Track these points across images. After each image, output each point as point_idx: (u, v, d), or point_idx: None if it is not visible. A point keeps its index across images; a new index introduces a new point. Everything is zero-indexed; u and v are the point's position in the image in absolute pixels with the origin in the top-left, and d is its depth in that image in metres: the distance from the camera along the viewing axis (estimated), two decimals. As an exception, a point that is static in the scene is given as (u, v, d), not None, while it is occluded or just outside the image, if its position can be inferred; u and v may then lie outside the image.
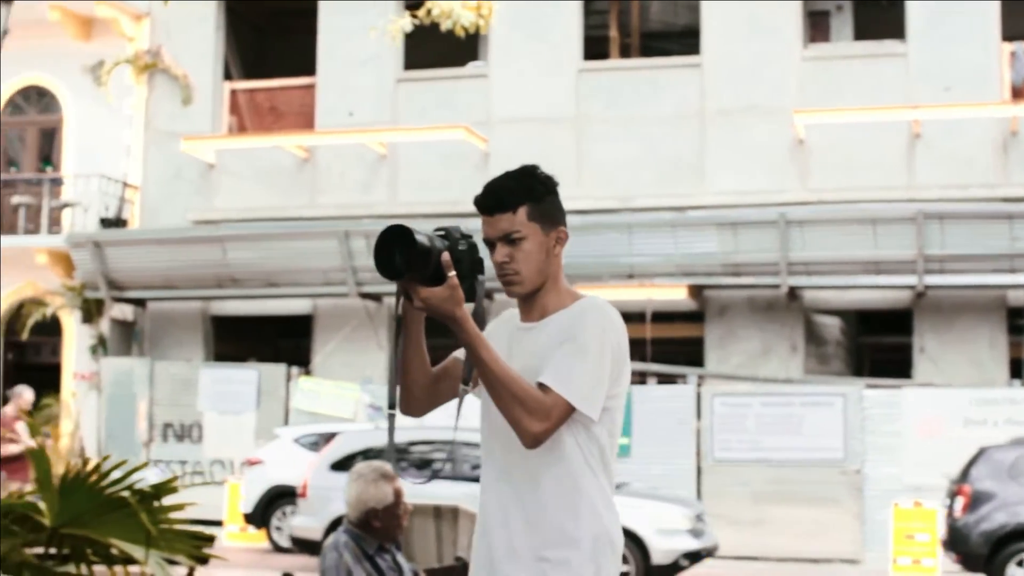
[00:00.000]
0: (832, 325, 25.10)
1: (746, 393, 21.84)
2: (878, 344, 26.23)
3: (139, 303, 26.61)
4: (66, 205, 26.78)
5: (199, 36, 26.84)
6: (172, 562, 5.65)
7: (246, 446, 23.35)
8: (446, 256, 3.62)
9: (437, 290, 3.63)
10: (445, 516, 9.47)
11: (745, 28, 24.40)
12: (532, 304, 3.93)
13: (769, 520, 20.73)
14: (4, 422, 17.01)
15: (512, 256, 3.84)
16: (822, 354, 24.76)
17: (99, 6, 26.46)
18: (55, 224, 26.95)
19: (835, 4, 26.30)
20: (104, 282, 25.69)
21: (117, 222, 26.60)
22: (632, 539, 15.76)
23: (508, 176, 3.88)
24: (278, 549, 20.21)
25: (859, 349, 26.11)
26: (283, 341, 27.61)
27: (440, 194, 24.80)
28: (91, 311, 26.42)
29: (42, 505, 5.61)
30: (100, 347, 26.43)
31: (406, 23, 13.45)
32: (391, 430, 3.90)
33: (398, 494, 6.06)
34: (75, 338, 26.96)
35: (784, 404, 21.43)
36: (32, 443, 15.12)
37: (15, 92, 28.14)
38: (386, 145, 25.62)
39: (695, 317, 24.40)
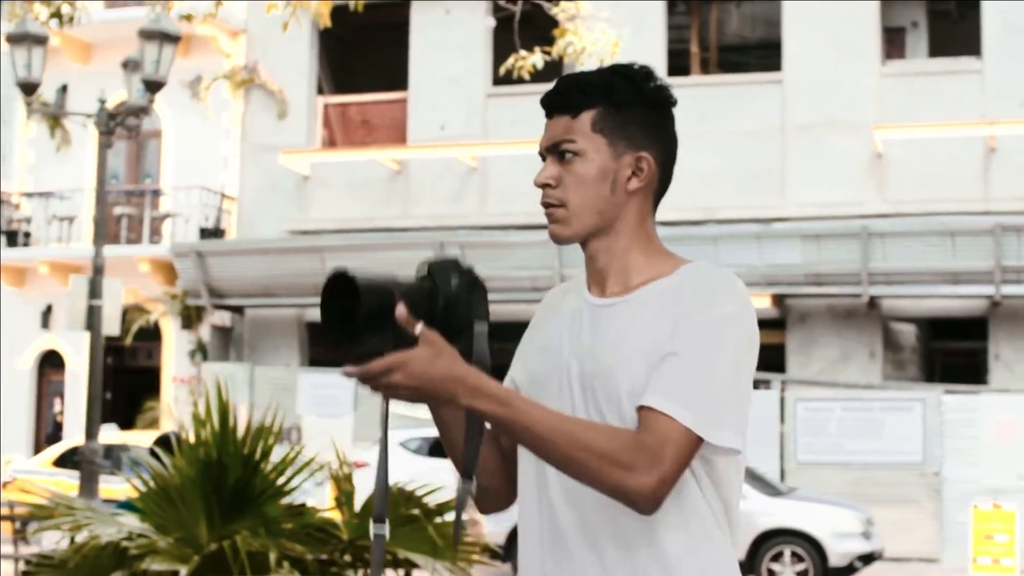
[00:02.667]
0: (908, 332, 25.95)
1: (827, 398, 22.72)
2: (951, 350, 26.98)
3: (237, 310, 27.69)
4: (167, 216, 27.89)
5: (293, 52, 27.86)
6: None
7: (345, 449, 24.30)
8: (400, 310, 2.44)
9: (412, 351, 2.42)
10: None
11: (824, 45, 25.27)
12: (602, 265, 2.73)
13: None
14: None
15: (558, 177, 2.69)
16: (898, 360, 25.61)
17: (198, 24, 27.47)
18: (155, 234, 28.03)
19: (910, 21, 27.13)
20: (205, 290, 26.76)
21: (215, 232, 27.70)
22: (810, 542, 16.76)
23: (597, 69, 2.79)
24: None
25: (931, 354, 26.90)
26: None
27: (530, 205, 25.60)
28: (191, 317, 27.52)
29: (338, 520, 6.63)
30: (199, 352, 27.51)
31: (538, 59, 14.39)
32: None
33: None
34: (174, 343, 28.04)
35: (864, 409, 22.28)
36: None
37: (116, 105, 29.16)
38: (476, 158, 26.60)
39: (777, 324, 25.26)
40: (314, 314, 27.83)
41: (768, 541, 17.54)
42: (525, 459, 2.70)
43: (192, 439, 6.55)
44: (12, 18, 19.74)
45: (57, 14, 18.67)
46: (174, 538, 6.15)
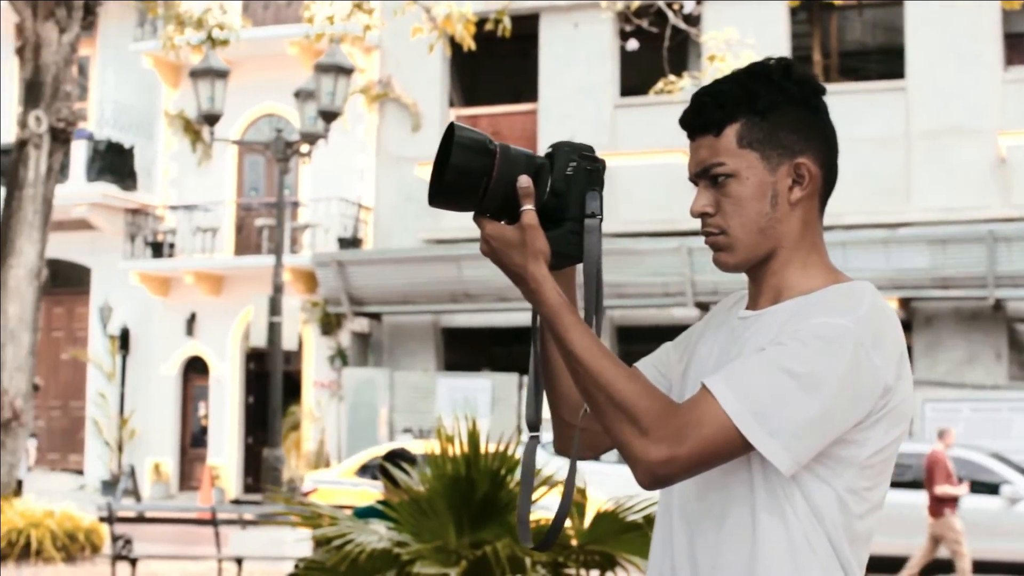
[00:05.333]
0: (1032, 332, 26.43)
1: (955, 399, 23.25)
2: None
3: (376, 316, 28.66)
4: (306, 227, 28.94)
5: (426, 66, 28.71)
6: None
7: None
8: (523, 181, 2.42)
9: (505, 230, 2.43)
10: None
11: (947, 52, 25.78)
12: (762, 283, 2.55)
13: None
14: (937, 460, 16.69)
15: (715, 203, 2.52)
16: (1023, 361, 26.08)
17: (345, 43, 28.47)
18: (295, 244, 29.06)
19: (1032, 26, 27.56)
20: (345, 298, 27.75)
21: (353, 242, 28.71)
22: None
23: (731, 76, 2.56)
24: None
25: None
26: (517, 350, 29.37)
27: (659, 213, 26.48)
28: (331, 324, 28.55)
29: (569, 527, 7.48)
30: (339, 358, 28.51)
31: (687, 83, 15.18)
32: (529, 460, 2.53)
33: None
34: (315, 349, 29.07)
35: (992, 409, 22.78)
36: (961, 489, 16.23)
37: (254, 120, 30.28)
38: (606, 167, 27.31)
39: (904, 327, 25.61)
40: (451, 320, 28.76)
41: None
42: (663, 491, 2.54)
43: (438, 453, 7.34)
44: (167, 43, 20.81)
45: (210, 37, 19.74)
46: (433, 545, 7.00)
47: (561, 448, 2.65)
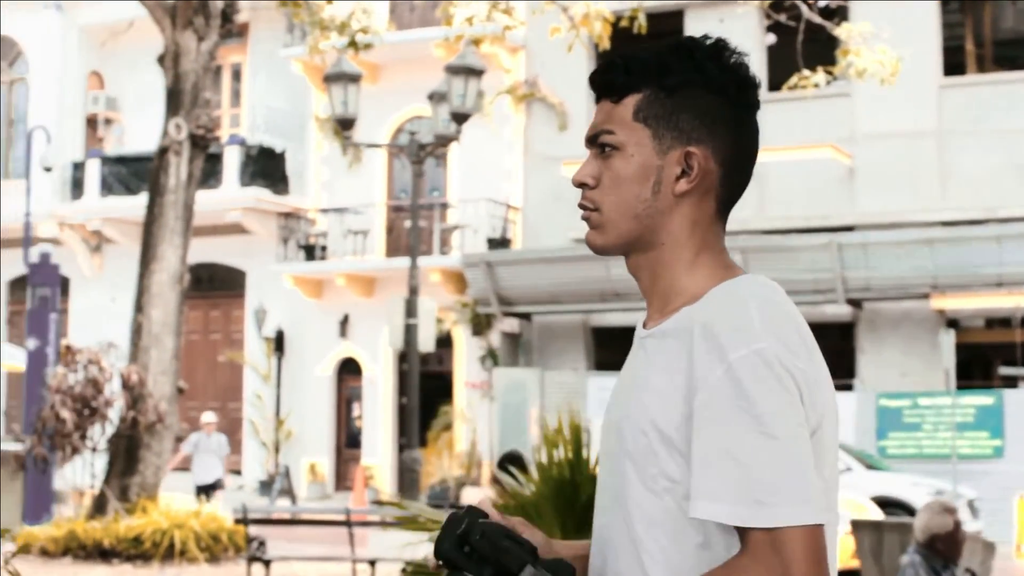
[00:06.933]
0: None
1: None
2: None
3: (525, 317, 28.69)
4: (455, 228, 29.07)
5: (571, 65, 28.66)
6: None
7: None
8: None
9: None
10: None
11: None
12: (645, 285, 2.31)
13: None
14: None
15: (597, 176, 2.28)
16: None
17: (484, 44, 28.58)
18: (444, 245, 29.21)
19: None
20: (495, 298, 27.82)
21: (502, 242, 28.77)
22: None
23: (655, 45, 2.32)
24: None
25: None
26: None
27: (808, 209, 26.17)
28: (481, 325, 28.64)
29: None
30: (490, 358, 28.59)
31: (820, 78, 14.98)
32: None
33: (957, 524, 7.61)
34: (465, 350, 29.19)
35: None
36: None
37: (403, 123, 30.50)
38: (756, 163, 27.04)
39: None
40: (600, 319, 28.69)
41: None
42: None
43: (544, 459, 7.29)
44: (313, 48, 21.04)
45: (353, 42, 19.91)
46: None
47: None
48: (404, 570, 7.59)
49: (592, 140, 2.29)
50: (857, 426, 23.07)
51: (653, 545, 2.15)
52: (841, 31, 14.85)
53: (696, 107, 2.24)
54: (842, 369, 25.14)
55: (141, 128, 32.34)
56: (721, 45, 2.28)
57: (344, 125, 16.13)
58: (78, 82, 34.54)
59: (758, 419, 2.01)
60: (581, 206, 2.28)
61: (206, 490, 22.06)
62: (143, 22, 26.35)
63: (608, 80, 2.29)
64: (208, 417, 22.89)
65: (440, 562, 2.16)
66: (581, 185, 2.28)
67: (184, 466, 22.73)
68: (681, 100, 2.24)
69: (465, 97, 15.93)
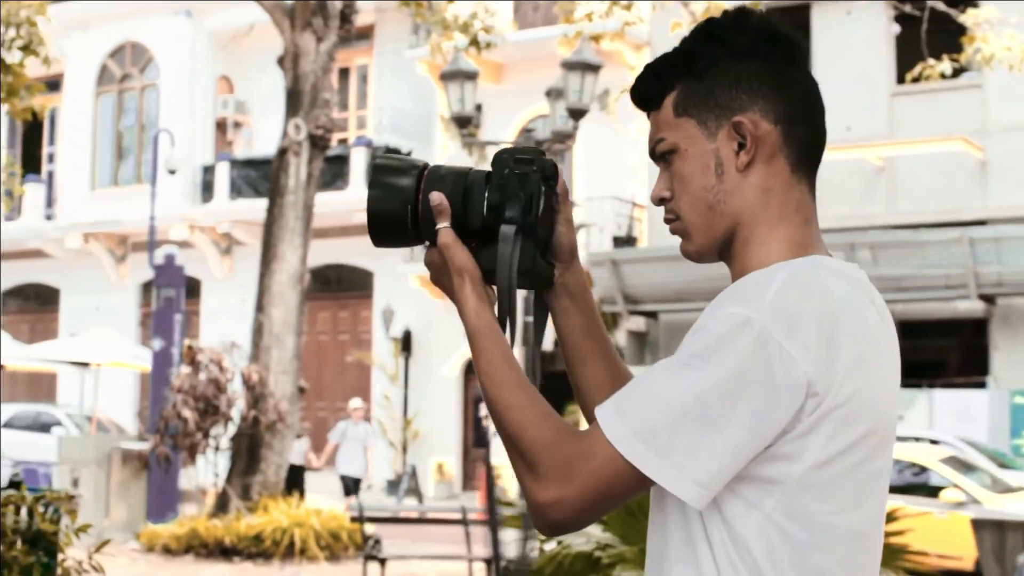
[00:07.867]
0: None
1: None
2: None
3: (652, 315, 28.50)
4: (581, 226, 28.88)
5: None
6: None
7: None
8: (434, 198, 2.17)
9: (432, 253, 2.20)
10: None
11: None
12: (732, 272, 2.16)
13: None
14: None
15: (668, 186, 2.19)
16: None
17: (605, 42, 28.43)
18: (571, 244, 29.07)
19: None
20: (621, 296, 27.67)
21: (628, 240, 28.61)
22: None
23: (681, 41, 2.21)
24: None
25: None
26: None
27: (939, 203, 25.68)
28: (607, 324, 28.42)
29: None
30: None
31: (946, 67, 14.66)
32: None
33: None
34: (591, 348, 29.00)
35: None
36: None
37: (527, 122, 30.44)
38: (883, 157, 26.66)
39: None
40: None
41: None
42: None
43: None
44: (435, 48, 21.04)
45: (475, 41, 19.87)
46: (639, 548, 6.80)
47: None
48: (508, 568, 7.50)
49: (654, 155, 2.21)
50: (991, 424, 22.60)
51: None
52: (967, 18, 14.50)
53: (728, 78, 2.12)
54: (975, 366, 24.67)
55: (269, 131, 32.60)
56: (739, 12, 2.15)
57: (461, 123, 16.07)
58: (208, 86, 34.98)
59: (694, 367, 1.92)
60: (666, 220, 2.21)
61: (352, 482, 22.21)
62: (265, 25, 26.60)
63: (644, 92, 2.21)
64: (356, 403, 22.99)
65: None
66: (660, 201, 2.20)
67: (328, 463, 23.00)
68: (712, 78, 2.12)
69: (582, 93, 15.80)
